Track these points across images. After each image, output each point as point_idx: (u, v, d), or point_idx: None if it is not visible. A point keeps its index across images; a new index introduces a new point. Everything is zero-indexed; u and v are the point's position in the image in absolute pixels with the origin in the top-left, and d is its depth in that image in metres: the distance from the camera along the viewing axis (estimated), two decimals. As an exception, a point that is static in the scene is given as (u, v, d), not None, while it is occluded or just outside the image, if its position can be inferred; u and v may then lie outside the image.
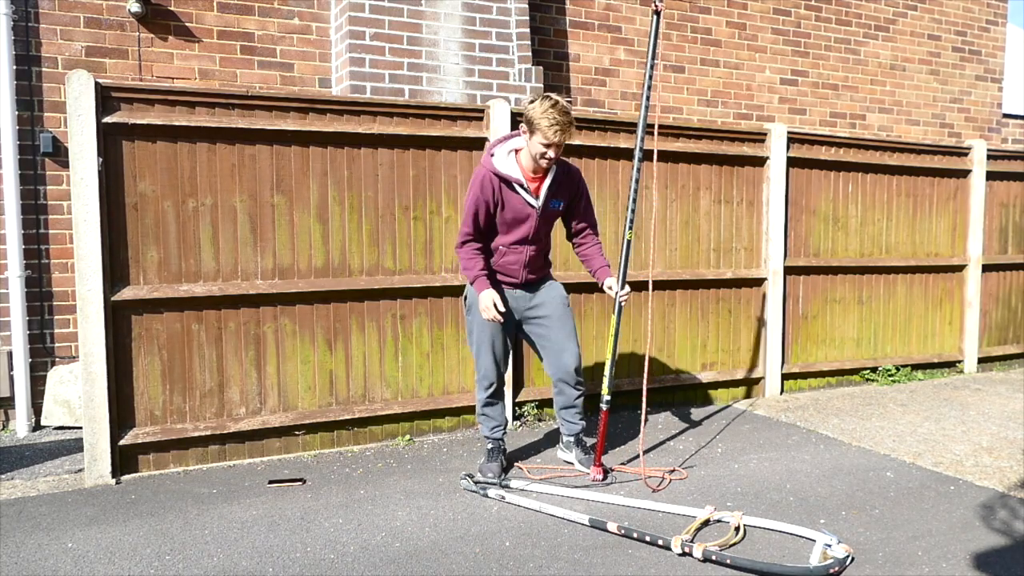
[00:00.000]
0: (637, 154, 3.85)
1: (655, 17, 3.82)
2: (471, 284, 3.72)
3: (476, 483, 3.76)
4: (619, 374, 5.26)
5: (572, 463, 4.07)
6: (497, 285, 3.79)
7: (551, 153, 3.55)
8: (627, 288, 3.82)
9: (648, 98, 3.86)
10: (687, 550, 3.01)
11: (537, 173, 3.69)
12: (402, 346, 4.61)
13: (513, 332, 3.95)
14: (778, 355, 5.84)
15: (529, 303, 3.89)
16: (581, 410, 4.03)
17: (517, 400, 4.91)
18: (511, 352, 4.10)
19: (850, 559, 2.96)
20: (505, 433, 4.05)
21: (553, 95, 3.53)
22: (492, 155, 3.67)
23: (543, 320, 3.89)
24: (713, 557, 2.95)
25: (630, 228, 3.84)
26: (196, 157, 4.07)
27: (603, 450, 3.99)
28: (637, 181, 3.87)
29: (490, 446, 4.00)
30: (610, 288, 3.81)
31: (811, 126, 7.65)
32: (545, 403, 5.01)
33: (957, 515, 3.46)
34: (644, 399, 4.03)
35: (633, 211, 3.85)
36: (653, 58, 3.83)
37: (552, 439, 4.59)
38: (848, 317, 6.22)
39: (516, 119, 4.78)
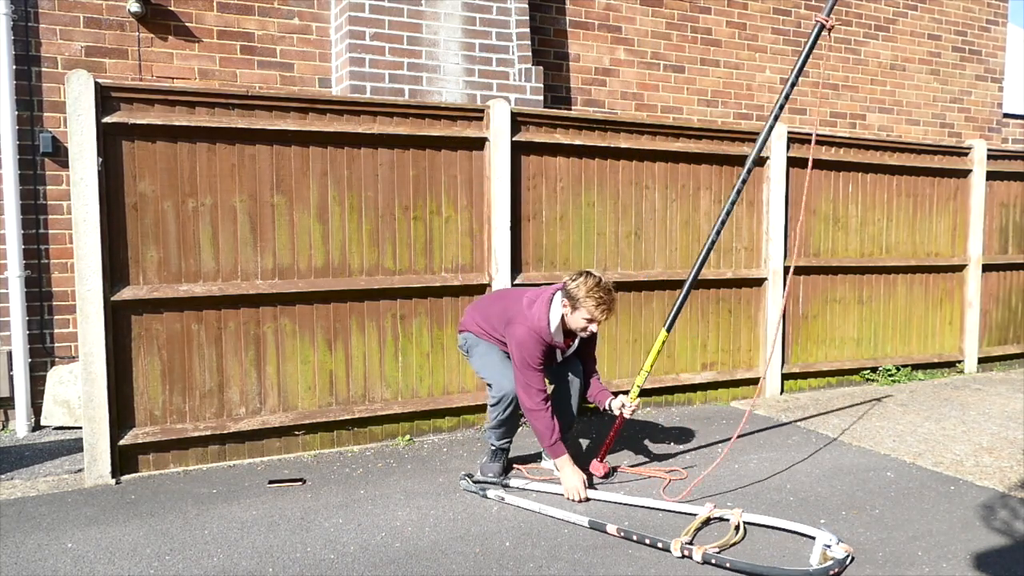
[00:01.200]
0: (752, 156, 3.93)
1: (818, 30, 3.71)
2: (549, 449, 3.69)
3: (475, 483, 3.76)
4: (622, 374, 5.25)
5: (552, 469, 3.99)
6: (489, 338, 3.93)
7: (593, 328, 3.68)
8: (637, 401, 3.91)
9: (782, 107, 3.81)
10: (686, 553, 3.00)
11: (570, 337, 3.83)
12: (402, 346, 4.61)
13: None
14: (778, 355, 5.84)
15: None
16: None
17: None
18: None
19: (850, 559, 2.96)
20: (511, 442, 4.04)
21: (594, 272, 3.64)
22: (548, 322, 3.69)
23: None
24: (712, 560, 2.95)
25: (718, 232, 3.99)
26: (196, 157, 4.07)
27: (609, 449, 3.99)
28: (744, 181, 3.99)
29: (494, 448, 4.00)
30: (622, 405, 3.86)
31: (811, 126, 7.65)
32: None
33: (957, 515, 3.46)
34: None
35: (728, 212, 3.97)
36: (799, 72, 3.76)
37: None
38: (848, 317, 6.22)
39: (516, 119, 4.78)
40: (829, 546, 2.97)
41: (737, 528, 3.21)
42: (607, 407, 3.90)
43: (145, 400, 4.03)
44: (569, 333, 3.79)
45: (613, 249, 5.22)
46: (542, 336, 3.68)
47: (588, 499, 3.63)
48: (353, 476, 3.98)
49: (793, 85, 3.80)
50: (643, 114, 6.86)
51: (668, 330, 3.94)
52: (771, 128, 3.86)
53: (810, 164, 3.98)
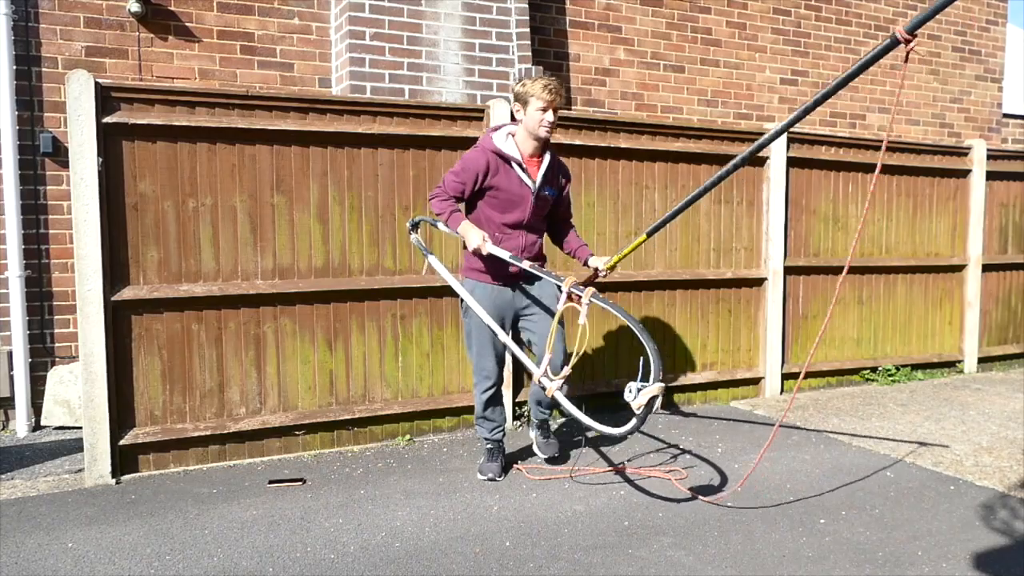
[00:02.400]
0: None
1: (889, 43, 2.72)
2: (446, 222, 3.73)
3: (414, 226, 4.09)
4: (620, 374, 5.26)
5: (532, 441, 4.20)
6: (497, 278, 3.81)
7: (549, 116, 3.66)
8: (609, 270, 3.93)
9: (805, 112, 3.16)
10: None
11: (533, 156, 3.78)
12: (402, 346, 4.61)
13: (508, 332, 3.90)
14: (778, 355, 5.84)
15: (524, 301, 3.87)
16: (548, 405, 4.06)
17: (517, 400, 4.91)
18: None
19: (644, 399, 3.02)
20: (504, 434, 4.05)
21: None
22: (491, 137, 3.73)
23: (533, 316, 3.89)
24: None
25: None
26: (196, 157, 4.07)
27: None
28: (729, 172, 3.46)
29: (489, 446, 3.99)
30: (597, 268, 3.92)
31: (811, 126, 7.64)
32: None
33: (957, 515, 3.46)
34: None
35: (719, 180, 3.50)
36: (848, 79, 2.98)
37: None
38: (848, 317, 6.22)
39: (516, 119, 4.76)
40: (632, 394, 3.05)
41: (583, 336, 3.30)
42: (585, 261, 3.96)
43: (145, 400, 4.03)
44: (534, 153, 3.75)
45: (613, 249, 5.21)
46: (488, 148, 3.69)
47: (489, 253, 3.62)
48: (353, 476, 3.99)
49: (834, 91, 3.07)
50: (643, 114, 6.86)
51: (649, 235, 3.82)
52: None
53: (879, 168, 3.10)
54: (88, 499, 3.66)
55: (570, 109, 6.55)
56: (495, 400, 3.94)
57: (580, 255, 4.00)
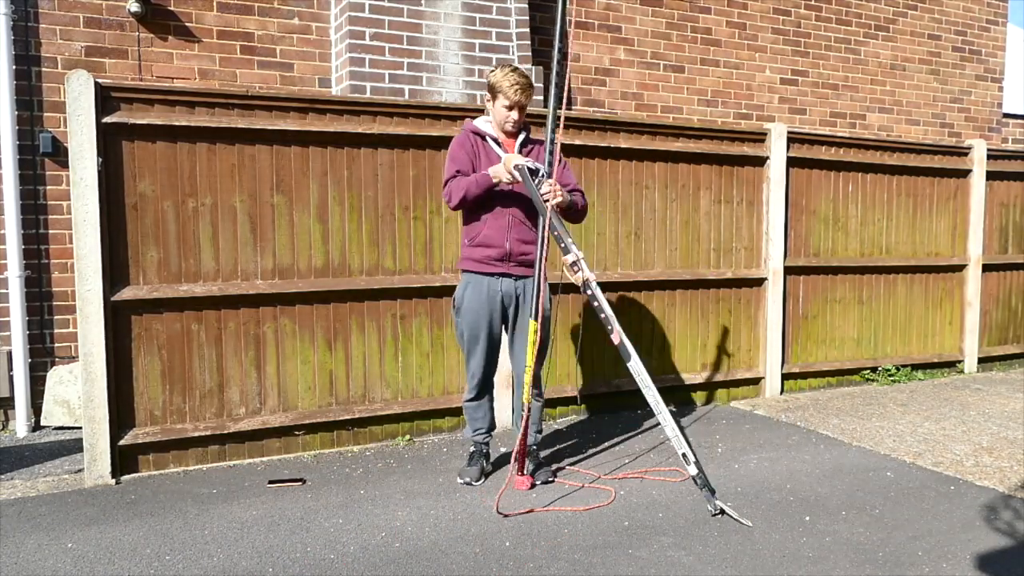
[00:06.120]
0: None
1: None
2: (476, 185, 3.58)
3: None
4: (619, 374, 5.25)
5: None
6: (484, 272, 3.70)
7: (514, 115, 3.67)
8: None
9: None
10: None
11: (509, 137, 3.80)
12: (402, 346, 4.61)
13: (499, 329, 3.81)
14: (778, 355, 5.84)
15: (512, 303, 3.76)
16: (536, 420, 3.82)
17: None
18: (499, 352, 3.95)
19: None
20: (489, 438, 3.97)
21: (512, 63, 3.64)
22: (471, 121, 3.82)
23: (517, 327, 3.82)
24: None
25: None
26: (196, 157, 4.06)
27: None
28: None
29: (472, 449, 3.96)
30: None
31: (811, 126, 7.65)
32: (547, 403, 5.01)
33: (957, 515, 3.46)
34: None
35: None
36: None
37: (550, 440, 4.59)
38: (848, 317, 6.22)
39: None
40: None
41: None
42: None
43: (145, 400, 4.03)
44: (508, 134, 3.72)
45: (613, 249, 5.21)
46: (467, 128, 3.74)
47: (516, 167, 3.52)
48: (353, 476, 3.98)
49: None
50: (643, 114, 6.86)
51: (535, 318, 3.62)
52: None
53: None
54: (88, 499, 3.66)
55: (570, 109, 6.55)
56: (479, 398, 3.88)
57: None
